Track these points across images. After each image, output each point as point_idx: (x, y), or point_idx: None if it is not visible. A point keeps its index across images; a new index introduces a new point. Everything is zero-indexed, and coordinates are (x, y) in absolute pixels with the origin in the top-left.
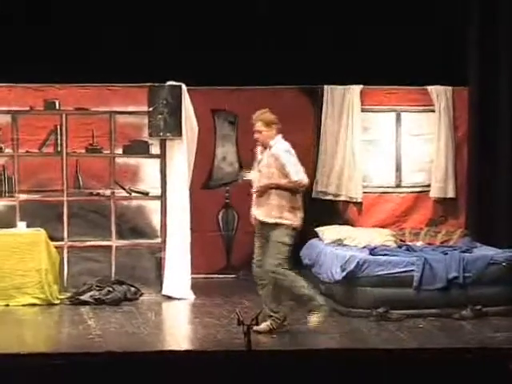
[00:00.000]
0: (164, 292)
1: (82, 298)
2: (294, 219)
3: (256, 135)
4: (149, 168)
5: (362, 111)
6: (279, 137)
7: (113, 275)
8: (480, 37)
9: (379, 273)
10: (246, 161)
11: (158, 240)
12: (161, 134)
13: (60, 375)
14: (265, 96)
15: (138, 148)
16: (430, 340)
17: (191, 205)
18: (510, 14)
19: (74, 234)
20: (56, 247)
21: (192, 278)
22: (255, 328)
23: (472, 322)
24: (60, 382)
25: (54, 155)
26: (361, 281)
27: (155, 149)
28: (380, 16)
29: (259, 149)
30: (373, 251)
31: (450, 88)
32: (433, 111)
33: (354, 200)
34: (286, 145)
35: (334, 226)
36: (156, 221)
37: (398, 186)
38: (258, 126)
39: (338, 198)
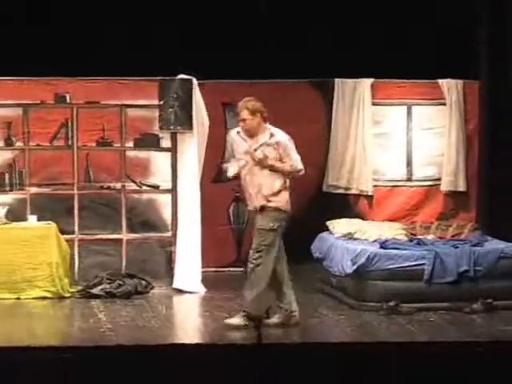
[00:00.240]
0: (174, 285)
1: (93, 291)
2: (282, 201)
3: (241, 124)
4: (159, 161)
5: (373, 105)
6: (269, 125)
7: (123, 268)
8: (490, 31)
9: (390, 266)
10: None
11: (169, 233)
12: (171, 127)
13: (70, 368)
14: (275, 89)
15: (148, 141)
16: (441, 333)
17: (202, 198)
18: None
19: (85, 228)
20: (67, 240)
21: (202, 271)
22: (265, 321)
23: (482, 316)
24: (70, 376)
25: (64, 148)
26: (371, 274)
27: (166, 142)
28: (393, 13)
29: (237, 137)
30: (383, 245)
31: (461, 81)
32: (444, 105)
33: (365, 193)
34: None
35: (344, 220)
36: (167, 214)
37: (409, 179)
38: (244, 114)
39: (348, 192)
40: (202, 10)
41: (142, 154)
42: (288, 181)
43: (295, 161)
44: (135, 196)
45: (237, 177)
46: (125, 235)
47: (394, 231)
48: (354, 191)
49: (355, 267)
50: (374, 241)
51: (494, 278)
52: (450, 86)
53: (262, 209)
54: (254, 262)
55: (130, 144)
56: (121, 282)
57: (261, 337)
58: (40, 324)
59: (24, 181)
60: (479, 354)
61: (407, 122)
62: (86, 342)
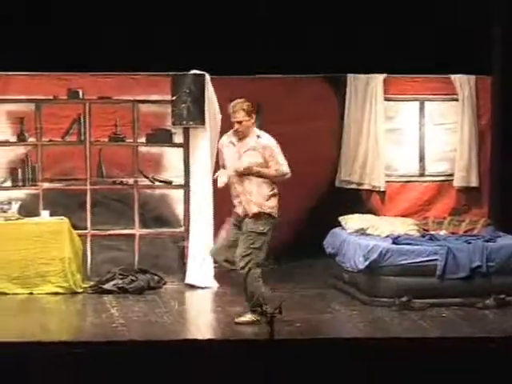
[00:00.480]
0: (187, 281)
1: (105, 286)
2: (274, 207)
3: (236, 125)
4: (172, 157)
5: (386, 100)
6: (256, 128)
7: (136, 264)
8: (504, 28)
9: (402, 262)
10: None
11: (182, 229)
12: (184, 122)
13: (83, 364)
14: (288, 84)
15: (161, 137)
16: (453, 329)
17: (214, 193)
18: None
19: (97, 223)
20: (79, 236)
21: (215, 266)
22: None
23: (495, 311)
24: (83, 371)
25: (77, 144)
26: (384, 270)
27: (178, 137)
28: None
29: (226, 142)
30: (396, 240)
31: (474, 77)
32: (456, 100)
33: (378, 189)
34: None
35: (357, 215)
36: (179, 210)
37: (422, 175)
38: (240, 115)
39: (361, 187)
40: (202, 10)
41: (154, 149)
42: (276, 186)
43: (281, 165)
44: (148, 191)
45: (227, 186)
46: (137, 230)
47: (406, 227)
48: (366, 187)
49: (367, 263)
50: (387, 236)
51: (507, 273)
52: (462, 82)
53: (255, 215)
54: (244, 266)
55: (143, 139)
56: (133, 278)
57: (273, 332)
58: (52, 319)
59: (37, 176)
60: (492, 349)
61: (420, 118)
62: (99, 338)
